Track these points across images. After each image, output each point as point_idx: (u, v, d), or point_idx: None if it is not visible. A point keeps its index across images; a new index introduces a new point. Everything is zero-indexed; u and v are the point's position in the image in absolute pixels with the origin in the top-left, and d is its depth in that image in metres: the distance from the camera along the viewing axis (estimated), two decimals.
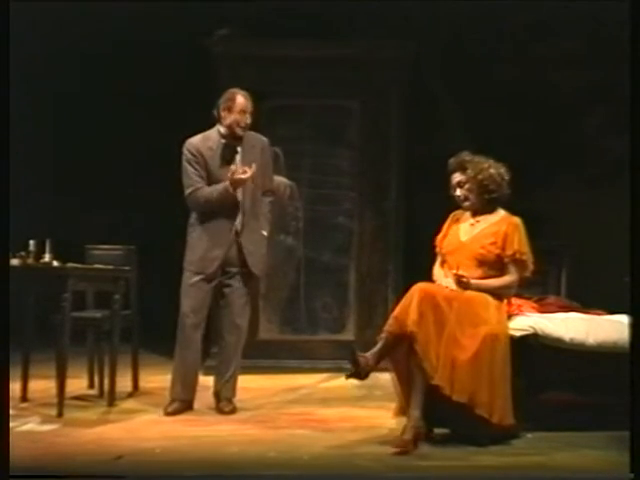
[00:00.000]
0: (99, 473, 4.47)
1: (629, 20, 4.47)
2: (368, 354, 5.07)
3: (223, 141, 5.92)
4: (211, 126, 5.97)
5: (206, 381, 6.13)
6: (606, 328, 5.45)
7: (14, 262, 5.51)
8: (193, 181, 5.87)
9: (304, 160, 7.92)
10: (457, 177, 5.49)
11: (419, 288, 5.12)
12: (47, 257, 5.72)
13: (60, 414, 5.64)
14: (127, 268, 6.32)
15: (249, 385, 6.51)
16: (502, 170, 5.47)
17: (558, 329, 5.37)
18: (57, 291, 5.69)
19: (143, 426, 5.53)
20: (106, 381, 6.22)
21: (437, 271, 5.49)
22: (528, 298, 5.88)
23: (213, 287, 5.91)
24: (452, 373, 4.97)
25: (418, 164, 8.05)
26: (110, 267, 6.21)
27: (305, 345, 7.81)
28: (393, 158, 7.95)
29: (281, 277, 7.88)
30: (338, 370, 6.75)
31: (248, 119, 5.92)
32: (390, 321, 5.11)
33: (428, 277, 5.45)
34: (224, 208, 5.82)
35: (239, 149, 5.93)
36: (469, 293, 5.19)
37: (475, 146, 5.64)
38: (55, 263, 5.72)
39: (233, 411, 5.88)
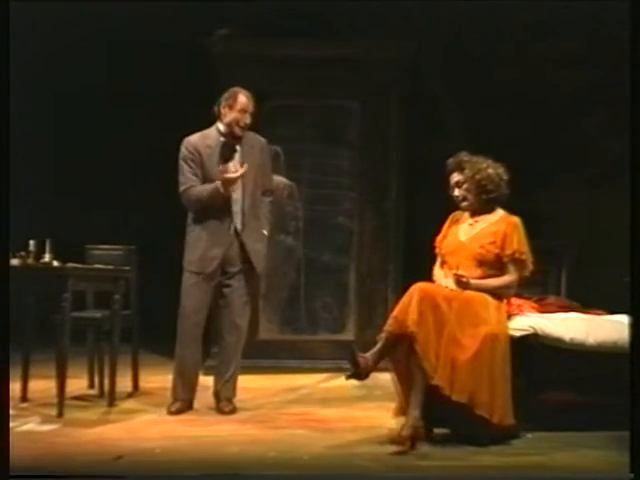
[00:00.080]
0: (99, 473, 4.47)
1: (629, 20, 4.47)
2: (368, 354, 5.07)
3: (222, 139, 5.92)
4: (211, 125, 5.97)
5: (206, 381, 6.13)
6: (606, 328, 5.45)
7: (14, 262, 5.51)
8: (186, 179, 5.88)
9: (304, 160, 7.92)
10: (455, 177, 5.49)
11: (418, 288, 5.11)
12: (47, 257, 5.72)
13: (60, 414, 5.64)
14: (127, 268, 6.32)
15: (249, 385, 6.51)
16: (500, 170, 5.47)
17: (558, 329, 5.37)
18: (57, 291, 5.69)
19: (143, 426, 5.53)
20: (106, 381, 6.22)
21: (437, 272, 5.49)
22: (528, 298, 5.88)
23: (213, 287, 5.91)
24: (452, 373, 4.97)
25: (418, 164, 8.05)
26: (110, 267, 6.21)
27: (305, 345, 7.81)
28: (393, 158, 7.96)
29: (281, 277, 7.88)
30: (338, 370, 6.75)
31: (248, 119, 5.91)
32: (390, 321, 5.11)
33: (428, 277, 5.45)
34: (219, 207, 5.82)
35: (238, 148, 5.93)
36: (468, 293, 5.19)
37: (475, 146, 5.64)
38: (55, 263, 5.72)
39: (233, 411, 5.88)
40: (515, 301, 5.56)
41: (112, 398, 6.06)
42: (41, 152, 9.05)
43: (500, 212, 5.47)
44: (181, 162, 5.91)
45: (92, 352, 6.58)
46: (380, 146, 7.93)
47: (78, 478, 4.37)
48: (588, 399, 5.42)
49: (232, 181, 5.76)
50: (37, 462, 4.59)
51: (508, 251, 5.32)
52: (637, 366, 4.22)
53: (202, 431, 5.38)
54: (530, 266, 5.38)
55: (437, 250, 5.55)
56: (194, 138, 5.95)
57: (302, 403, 6.39)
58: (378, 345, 5.11)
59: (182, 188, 5.89)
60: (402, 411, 5.20)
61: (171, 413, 5.81)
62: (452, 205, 5.55)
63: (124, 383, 6.43)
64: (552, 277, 6.94)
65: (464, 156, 5.49)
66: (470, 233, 5.44)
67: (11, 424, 4.65)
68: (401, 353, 5.09)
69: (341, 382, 5.67)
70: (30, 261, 5.65)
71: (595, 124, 8.75)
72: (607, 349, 5.34)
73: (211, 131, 5.95)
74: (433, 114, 8.73)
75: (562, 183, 8.61)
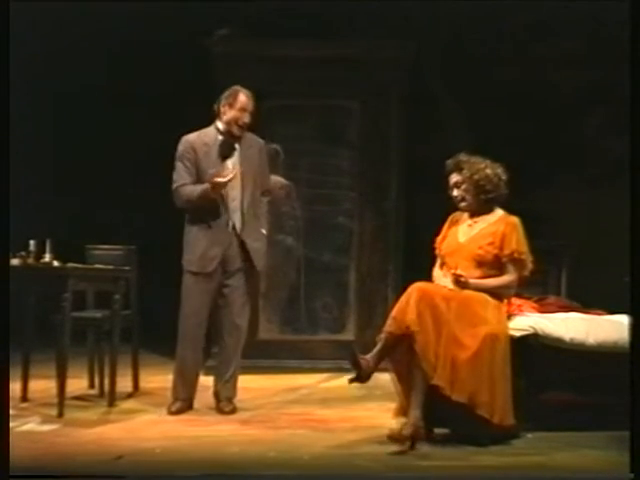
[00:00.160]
0: (99, 473, 4.47)
1: (629, 20, 4.47)
2: (368, 356, 5.07)
3: (220, 138, 5.92)
4: (210, 124, 5.97)
5: (206, 381, 6.13)
6: (606, 328, 5.45)
7: (14, 262, 5.51)
8: (179, 177, 5.89)
9: (304, 160, 7.92)
10: (454, 178, 5.49)
11: (417, 287, 5.11)
12: (47, 257, 5.72)
13: (60, 414, 5.64)
14: (127, 268, 6.32)
15: (249, 385, 6.51)
16: (499, 170, 5.46)
17: (558, 329, 5.37)
18: (57, 291, 5.69)
19: (143, 426, 5.53)
20: (106, 381, 6.22)
21: (437, 273, 5.49)
22: (528, 298, 5.88)
23: (213, 287, 5.91)
24: (452, 373, 4.97)
25: (418, 164, 8.04)
26: (110, 267, 6.21)
27: (305, 345, 7.81)
28: (393, 158, 7.95)
29: (281, 277, 7.88)
30: (338, 370, 6.75)
31: (247, 118, 5.91)
32: (388, 321, 5.11)
33: (428, 277, 5.45)
34: (216, 207, 5.81)
35: (237, 146, 5.93)
36: (467, 292, 5.18)
37: (475, 146, 5.64)
38: (55, 263, 5.72)
39: (233, 411, 5.88)
40: (515, 301, 5.57)
41: (112, 398, 6.06)
42: (41, 152, 9.05)
43: (499, 212, 5.47)
44: (176, 160, 5.92)
45: (92, 352, 6.58)
46: (380, 146, 7.93)
47: (78, 478, 4.37)
48: (588, 399, 5.42)
49: (221, 185, 5.74)
50: (37, 462, 4.59)
51: (507, 251, 5.32)
52: (637, 366, 4.22)
53: (202, 431, 5.37)
54: (530, 266, 5.38)
55: (437, 251, 5.54)
56: (191, 136, 5.95)
57: (302, 403, 6.39)
58: (378, 346, 5.10)
59: (174, 185, 5.90)
60: (402, 411, 5.20)
61: (171, 413, 5.81)
62: (452, 205, 5.55)
63: (124, 383, 6.43)
64: (552, 277, 6.95)
65: (462, 156, 5.49)
66: (469, 234, 5.44)
67: (11, 424, 4.65)
68: (401, 353, 5.09)
69: (341, 382, 5.68)
70: (30, 261, 5.65)
71: (595, 124, 8.75)
72: (607, 349, 5.34)
73: (210, 129, 5.96)
74: (433, 114, 8.74)
75: (562, 183, 8.61)
